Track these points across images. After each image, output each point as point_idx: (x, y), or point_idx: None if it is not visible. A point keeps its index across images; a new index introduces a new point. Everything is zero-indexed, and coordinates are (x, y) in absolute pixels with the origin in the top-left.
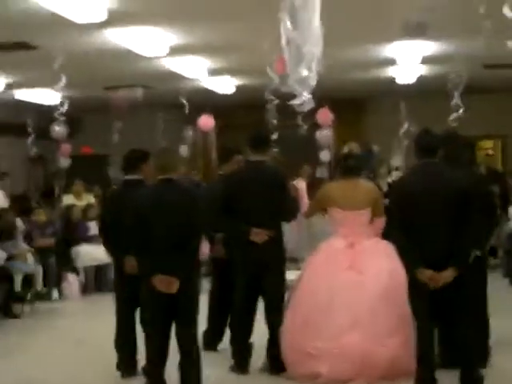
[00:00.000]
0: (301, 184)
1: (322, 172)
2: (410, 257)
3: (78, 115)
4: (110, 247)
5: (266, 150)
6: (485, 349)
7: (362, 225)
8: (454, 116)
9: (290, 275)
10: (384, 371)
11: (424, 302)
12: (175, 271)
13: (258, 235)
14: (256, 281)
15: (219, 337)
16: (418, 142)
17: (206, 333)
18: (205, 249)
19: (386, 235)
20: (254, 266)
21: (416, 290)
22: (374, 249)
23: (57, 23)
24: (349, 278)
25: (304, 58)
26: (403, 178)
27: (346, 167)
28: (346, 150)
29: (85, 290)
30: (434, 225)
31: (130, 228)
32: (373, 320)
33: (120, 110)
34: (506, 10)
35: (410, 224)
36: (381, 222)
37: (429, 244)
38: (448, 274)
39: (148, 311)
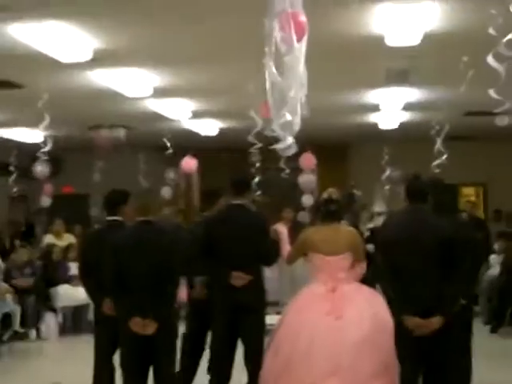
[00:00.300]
0: (282, 228)
1: (304, 216)
2: (397, 304)
3: (59, 154)
4: (89, 288)
5: (247, 194)
6: None
7: (342, 270)
8: (436, 162)
9: (271, 319)
10: None
11: (409, 348)
12: (152, 313)
13: (238, 279)
14: (235, 325)
15: (189, 380)
16: (409, 187)
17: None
18: (182, 292)
19: (369, 279)
20: (233, 310)
21: (402, 336)
22: (354, 294)
23: (42, 62)
24: (329, 323)
25: (288, 102)
26: (389, 223)
27: (327, 212)
28: (325, 195)
29: (63, 330)
30: (420, 271)
31: (107, 270)
32: (353, 366)
33: (102, 149)
34: (489, 60)
35: (396, 270)
36: (361, 267)
37: (415, 291)
38: (435, 321)
39: (125, 354)
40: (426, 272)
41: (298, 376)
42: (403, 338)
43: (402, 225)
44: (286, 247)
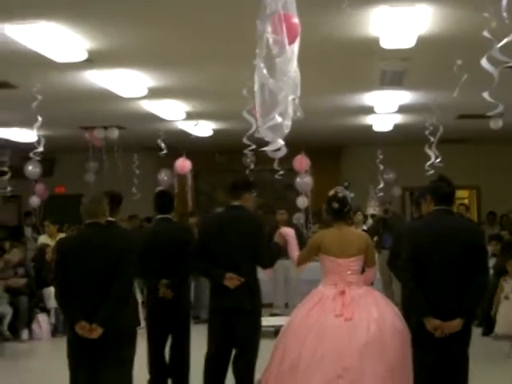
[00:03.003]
0: (289, 230)
1: (298, 218)
2: (420, 305)
3: (53, 155)
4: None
5: (244, 196)
6: None
7: (353, 273)
8: (429, 163)
9: (265, 321)
10: None
11: (426, 353)
12: (98, 318)
13: (231, 280)
14: (229, 328)
15: (163, 381)
16: (436, 189)
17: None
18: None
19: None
20: (226, 313)
21: (419, 341)
22: (364, 297)
23: (37, 62)
24: (338, 326)
25: (278, 104)
26: (419, 223)
27: (331, 210)
28: (331, 192)
29: (55, 331)
30: (445, 274)
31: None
32: (361, 369)
33: (95, 149)
34: (483, 63)
35: (420, 271)
36: (372, 272)
37: (438, 293)
38: (456, 324)
39: (71, 358)
40: (451, 275)
41: (303, 379)
42: (420, 344)
43: (430, 227)
44: (294, 250)
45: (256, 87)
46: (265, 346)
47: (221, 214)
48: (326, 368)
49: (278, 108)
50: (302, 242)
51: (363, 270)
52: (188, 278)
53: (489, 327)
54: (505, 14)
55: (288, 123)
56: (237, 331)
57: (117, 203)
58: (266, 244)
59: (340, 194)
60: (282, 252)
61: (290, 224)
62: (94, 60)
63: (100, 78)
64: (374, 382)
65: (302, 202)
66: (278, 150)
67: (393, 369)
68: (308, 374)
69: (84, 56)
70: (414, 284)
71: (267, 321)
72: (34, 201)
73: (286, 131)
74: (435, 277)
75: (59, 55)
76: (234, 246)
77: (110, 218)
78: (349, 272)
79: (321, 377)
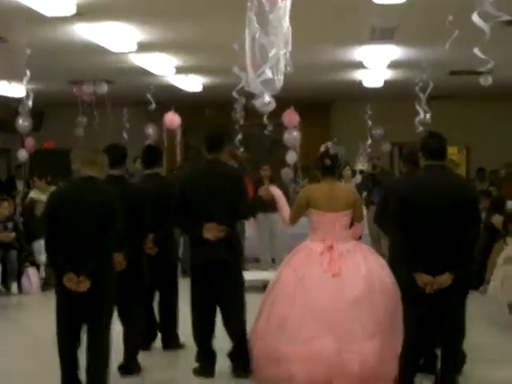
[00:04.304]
0: (275, 190)
1: (287, 173)
2: (410, 260)
3: (42, 109)
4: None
5: (222, 149)
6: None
7: (341, 227)
8: (419, 119)
9: (252, 275)
10: (360, 376)
11: (416, 308)
12: (86, 270)
13: (211, 231)
14: (211, 282)
15: (152, 336)
16: (428, 145)
17: None
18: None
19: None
20: (207, 266)
21: (409, 296)
22: (352, 252)
23: (26, 16)
24: (326, 281)
25: (270, 59)
26: (410, 178)
27: (322, 167)
28: (322, 148)
29: (45, 285)
30: (436, 229)
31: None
32: (348, 324)
33: (84, 103)
34: (475, 18)
35: (410, 226)
36: (360, 226)
37: (428, 248)
38: (445, 278)
39: (59, 310)
40: (442, 230)
41: (291, 333)
42: (410, 299)
43: (422, 183)
44: (284, 207)
45: (247, 40)
46: (254, 301)
47: (198, 168)
48: (314, 324)
49: (269, 63)
50: (288, 198)
51: (351, 225)
52: (171, 232)
53: (481, 282)
54: None
55: (281, 78)
56: (218, 284)
57: (123, 156)
58: (245, 196)
59: (332, 151)
60: (266, 206)
61: (276, 179)
62: (83, 13)
63: (89, 32)
64: (363, 338)
65: (291, 157)
66: (267, 104)
67: (381, 324)
68: (296, 329)
69: (73, 9)
70: (404, 239)
71: (255, 275)
72: (23, 155)
73: (279, 86)
74: (426, 232)
75: (48, 9)
76: (211, 199)
77: (115, 172)
78: (337, 226)
79: (309, 332)
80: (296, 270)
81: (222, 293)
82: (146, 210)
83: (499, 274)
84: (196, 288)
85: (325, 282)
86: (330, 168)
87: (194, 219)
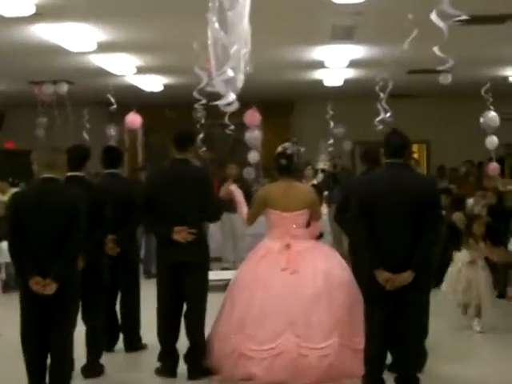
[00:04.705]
0: (234, 188)
1: (249, 173)
2: (371, 257)
3: (1, 110)
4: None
5: (190, 149)
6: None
7: (298, 226)
8: (379, 118)
9: (215, 275)
10: (320, 374)
11: (379, 305)
12: (52, 273)
13: (180, 233)
14: (179, 283)
15: (115, 337)
16: (389, 142)
17: None
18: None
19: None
20: (176, 267)
21: (372, 293)
22: (310, 251)
23: None
24: (284, 279)
25: (230, 58)
26: (370, 176)
27: (278, 166)
28: (279, 149)
29: (6, 286)
30: (396, 227)
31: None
32: (308, 322)
33: (44, 104)
34: (433, 17)
35: (371, 224)
36: (318, 225)
37: (389, 246)
38: (406, 276)
39: (24, 314)
40: (402, 227)
41: (251, 332)
42: (372, 297)
43: (382, 180)
44: (243, 207)
45: (209, 42)
46: (215, 300)
47: (166, 168)
48: (274, 322)
49: (230, 62)
50: (250, 198)
51: (309, 224)
52: (134, 232)
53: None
54: None
55: (241, 77)
56: (186, 286)
57: (84, 157)
58: (213, 197)
59: (288, 151)
60: (227, 206)
61: (240, 179)
62: (43, 14)
63: (49, 33)
64: (322, 335)
65: (253, 156)
66: (231, 104)
67: (340, 321)
68: (256, 327)
69: (32, 10)
70: (365, 237)
71: (217, 275)
72: None
73: (240, 85)
74: (386, 230)
75: (7, 9)
76: (179, 199)
77: (75, 173)
78: (294, 225)
79: (268, 330)
80: (255, 269)
81: (189, 293)
82: (105, 210)
83: (461, 279)
84: (163, 289)
85: (283, 280)
86: (286, 168)
87: (162, 219)
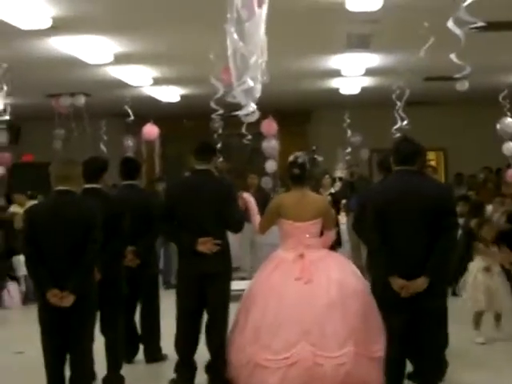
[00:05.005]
0: (249, 197)
1: (267, 182)
2: (386, 264)
3: (19, 123)
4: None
5: (211, 159)
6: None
7: (311, 236)
8: (396, 126)
9: (234, 285)
10: (336, 382)
11: (396, 313)
12: (70, 285)
13: (205, 244)
14: (201, 294)
15: (135, 349)
16: (398, 149)
17: None
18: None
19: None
20: (200, 279)
21: (386, 301)
22: (323, 260)
23: (1, 29)
24: (298, 288)
25: (250, 68)
26: (381, 186)
27: (291, 176)
28: (291, 158)
29: (26, 299)
30: (409, 235)
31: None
32: (322, 331)
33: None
34: (450, 24)
35: (385, 231)
36: (331, 234)
37: (403, 253)
38: (421, 283)
39: (43, 327)
40: (416, 235)
41: (266, 342)
42: (387, 304)
43: (394, 188)
44: (256, 216)
45: (229, 52)
46: (234, 310)
47: (187, 179)
48: (288, 331)
49: (250, 71)
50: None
51: (322, 233)
52: (154, 243)
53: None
54: None
55: (259, 87)
56: (209, 296)
57: (100, 169)
58: (235, 208)
59: (300, 160)
60: (245, 216)
61: (259, 188)
62: (59, 27)
63: (65, 45)
64: (336, 344)
65: (271, 166)
66: (251, 114)
67: (355, 329)
68: (270, 337)
69: (49, 23)
70: (380, 245)
71: (237, 284)
72: None
73: (257, 95)
74: (400, 237)
75: (24, 22)
76: (201, 211)
77: (92, 185)
78: (307, 235)
79: (283, 340)
80: (269, 279)
81: (211, 304)
82: (123, 222)
83: (479, 286)
84: (184, 299)
85: (297, 290)
86: (299, 177)
87: (185, 231)
